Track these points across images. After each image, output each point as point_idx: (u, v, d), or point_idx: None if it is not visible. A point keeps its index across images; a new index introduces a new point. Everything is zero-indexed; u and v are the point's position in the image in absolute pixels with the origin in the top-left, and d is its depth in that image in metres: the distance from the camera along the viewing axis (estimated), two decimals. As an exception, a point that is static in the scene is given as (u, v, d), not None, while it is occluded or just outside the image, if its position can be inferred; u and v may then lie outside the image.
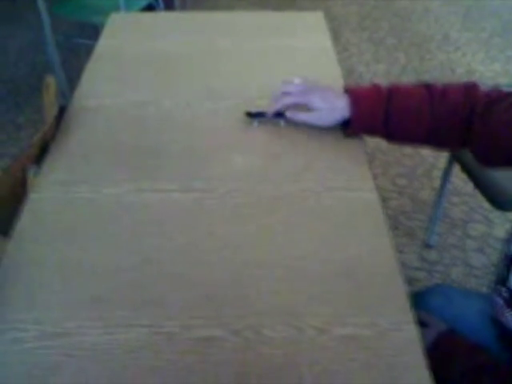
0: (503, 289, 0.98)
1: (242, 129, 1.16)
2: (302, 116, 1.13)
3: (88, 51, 1.44)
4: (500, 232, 2.13)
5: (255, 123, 1.16)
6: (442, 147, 1.25)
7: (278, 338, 0.77)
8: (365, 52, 3.35)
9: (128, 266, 0.87)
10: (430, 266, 1.99)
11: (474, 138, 1.00)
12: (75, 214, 0.96)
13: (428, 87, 1.05)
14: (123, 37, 1.51)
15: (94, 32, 2.68)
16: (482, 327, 1.06)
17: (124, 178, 1.03)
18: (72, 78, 2.47)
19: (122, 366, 0.74)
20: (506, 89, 1.01)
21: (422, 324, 0.81)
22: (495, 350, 0.99)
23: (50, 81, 1.18)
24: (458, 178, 2.26)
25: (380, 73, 3.14)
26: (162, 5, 2.84)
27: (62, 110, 1.19)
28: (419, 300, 1.11)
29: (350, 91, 1.09)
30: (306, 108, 1.12)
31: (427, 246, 2.07)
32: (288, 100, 1.13)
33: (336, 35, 3.45)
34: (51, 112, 1.15)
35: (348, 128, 1.10)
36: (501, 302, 0.99)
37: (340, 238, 0.92)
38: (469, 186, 2.28)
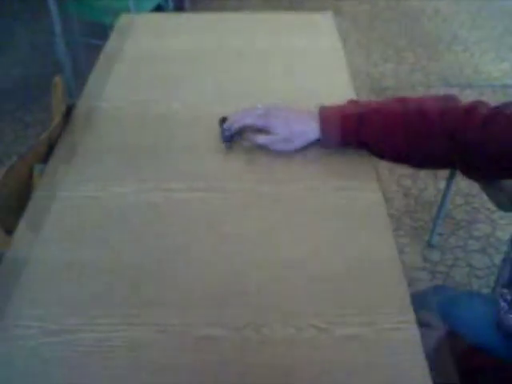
0: (506, 291, 0.99)
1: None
2: (262, 139, 1.08)
3: (96, 51, 1.45)
4: (503, 233, 2.13)
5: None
6: (423, 167, 1.21)
7: (278, 337, 0.78)
8: (373, 52, 3.34)
9: (131, 264, 0.88)
10: (432, 266, 1.99)
11: (467, 151, 0.97)
12: (80, 213, 0.97)
13: (403, 101, 1.02)
14: (133, 37, 1.52)
15: (103, 32, 2.70)
16: (485, 329, 1.05)
17: (130, 177, 1.05)
18: (79, 77, 2.49)
19: (123, 363, 0.75)
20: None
21: (423, 324, 0.82)
22: (499, 352, 0.99)
23: (58, 80, 1.19)
24: (462, 178, 2.25)
25: (388, 73, 3.13)
26: (171, 6, 2.85)
27: (70, 110, 1.21)
28: (421, 300, 1.11)
29: (320, 112, 1.06)
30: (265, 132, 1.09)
31: (430, 246, 2.07)
32: (248, 120, 1.09)
33: (345, 35, 3.45)
34: (58, 111, 1.16)
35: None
36: (505, 305, 0.99)
37: (342, 237, 0.93)
38: (473, 187, 2.28)
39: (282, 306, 0.82)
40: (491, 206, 2.13)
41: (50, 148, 1.11)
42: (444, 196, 1.94)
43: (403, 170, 2.41)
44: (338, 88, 1.28)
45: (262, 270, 0.87)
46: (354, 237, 0.93)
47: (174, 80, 1.33)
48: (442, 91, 2.93)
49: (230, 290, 0.84)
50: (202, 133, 1.15)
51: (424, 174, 2.40)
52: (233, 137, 1.11)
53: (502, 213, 2.10)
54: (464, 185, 2.32)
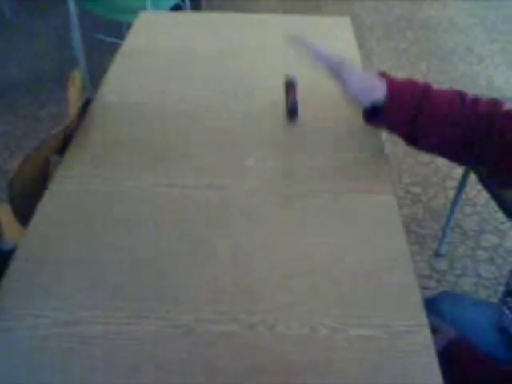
0: (510, 299, 0.99)
1: (260, 129, 1.17)
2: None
3: (111, 49, 1.46)
4: (512, 244, 2.12)
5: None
6: (456, 160, 1.16)
7: (291, 335, 0.78)
8: (387, 61, 3.34)
9: (144, 259, 0.89)
10: (439, 276, 1.98)
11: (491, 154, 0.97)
12: (94, 206, 0.98)
13: (461, 95, 1.01)
14: (151, 35, 1.53)
15: (118, 30, 2.72)
16: (491, 336, 1.06)
17: (145, 171, 1.05)
18: (94, 73, 2.50)
19: (135, 357, 0.75)
20: None
21: (432, 329, 0.82)
22: (503, 358, 0.99)
23: (76, 75, 1.21)
24: (472, 188, 2.25)
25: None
26: (188, 5, 2.86)
27: (87, 104, 1.22)
28: (429, 306, 1.11)
29: (388, 80, 1.04)
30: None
31: (438, 254, 2.06)
32: (324, 52, 1.06)
33: (360, 43, 3.44)
34: (75, 105, 1.17)
35: (372, 117, 1.05)
36: (509, 313, 0.99)
37: (356, 238, 0.93)
38: (482, 197, 2.27)
39: (297, 305, 0.82)
40: (500, 216, 2.13)
41: (66, 141, 1.12)
42: (453, 205, 1.93)
43: (412, 178, 2.41)
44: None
45: (276, 269, 0.87)
46: (368, 239, 0.93)
47: (190, 77, 1.34)
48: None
49: (244, 288, 0.84)
50: (220, 130, 1.16)
51: (433, 182, 2.40)
52: (297, 110, 1.06)
53: (510, 223, 2.09)
54: (473, 194, 2.31)
